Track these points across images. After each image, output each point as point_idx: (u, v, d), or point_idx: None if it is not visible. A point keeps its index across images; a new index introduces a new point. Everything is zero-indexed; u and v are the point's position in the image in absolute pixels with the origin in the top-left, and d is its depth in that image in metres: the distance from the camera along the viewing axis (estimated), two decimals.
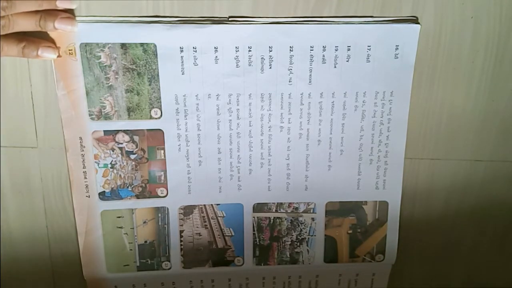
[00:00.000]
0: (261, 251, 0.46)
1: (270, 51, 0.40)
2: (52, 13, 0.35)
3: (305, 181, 0.44)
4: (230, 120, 0.41)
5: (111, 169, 0.42)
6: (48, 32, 0.37)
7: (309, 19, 0.39)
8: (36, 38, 0.37)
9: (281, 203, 0.45)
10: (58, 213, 0.43)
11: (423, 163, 0.44)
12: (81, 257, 0.44)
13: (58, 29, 0.36)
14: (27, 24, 0.35)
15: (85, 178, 0.42)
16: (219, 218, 0.44)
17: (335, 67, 0.40)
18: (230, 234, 0.45)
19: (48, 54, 0.37)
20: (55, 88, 0.39)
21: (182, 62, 0.39)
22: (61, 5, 0.35)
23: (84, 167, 0.42)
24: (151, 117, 0.41)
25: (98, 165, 0.42)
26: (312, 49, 0.40)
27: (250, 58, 0.40)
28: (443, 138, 0.44)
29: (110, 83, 0.39)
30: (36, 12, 0.35)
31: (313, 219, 0.45)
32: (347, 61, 0.40)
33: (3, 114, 0.40)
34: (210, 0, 0.38)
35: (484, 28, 0.40)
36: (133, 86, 0.40)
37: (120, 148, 0.42)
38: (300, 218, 0.45)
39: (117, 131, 0.41)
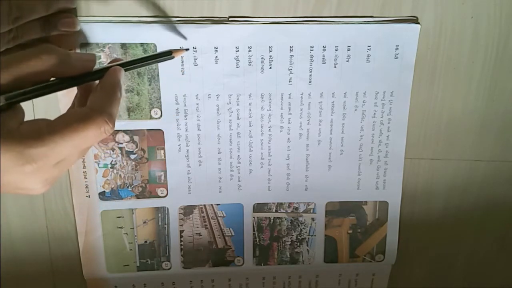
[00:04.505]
0: (261, 251, 0.46)
1: (270, 51, 0.40)
2: (55, 16, 0.35)
3: (305, 181, 0.44)
4: (230, 120, 0.41)
5: (111, 169, 0.42)
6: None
7: (309, 19, 0.39)
8: (37, 42, 0.36)
9: (281, 203, 0.45)
10: (58, 213, 0.43)
11: (423, 163, 0.44)
12: (81, 257, 0.44)
13: (62, 31, 0.36)
14: (33, 32, 0.34)
15: (85, 178, 0.42)
16: (219, 218, 0.44)
17: (335, 67, 0.40)
18: (230, 234, 0.45)
19: None
20: None
21: (182, 62, 0.39)
22: (62, 5, 0.35)
23: (84, 167, 0.42)
24: (151, 117, 0.41)
25: (98, 165, 0.42)
26: (312, 49, 0.40)
27: (250, 58, 0.40)
28: (443, 138, 0.44)
29: None
30: (39, 18, 0.34)
31: (313, 219, 0.45)
32: (347, 61, 0.40)
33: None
34: (210, 0, 0.38)
35: (484, 28, 0.40)
36: (133, 86, 0.40)
37: (120, 148, 0.42)
38: (300, 218, 0.45)
39: (117, 131, 0.41)
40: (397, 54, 0.40)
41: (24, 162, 0.24)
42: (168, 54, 0.33)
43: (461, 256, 0.48)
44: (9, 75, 0.25)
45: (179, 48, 0.36)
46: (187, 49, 0.37)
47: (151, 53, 0.37)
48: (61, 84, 0.28)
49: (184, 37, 0.38)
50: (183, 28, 0.38)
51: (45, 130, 0.25)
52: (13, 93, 0.25)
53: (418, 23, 0.40)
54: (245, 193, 0.44)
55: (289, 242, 0.46)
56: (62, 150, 0.25)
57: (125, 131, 0.41)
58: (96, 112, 0.26)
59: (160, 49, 0.39)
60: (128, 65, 0.31)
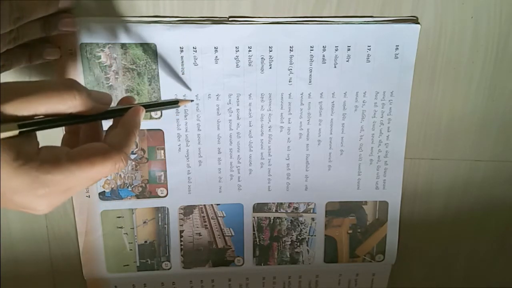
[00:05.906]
0: (261, 251, 0.46)
1: (270, 51, 0.40)
2: (55, 16, 0.35)
3: (305, 181, 0.44)
4: (230, 120, 0.41)
5: None
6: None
7: (309, 19, 0.39)
8: (38, 42, 0.36)
9: (281, 203, 0.45)
10: (58, 213, 0.43)
11: (423, 163, 0.44)
12: (81, 257, 0.44)
13: (62, 31, 0.36)
14: (33, 32, 0.34)
15: None
16: (219, 218, 0.44)
17: (335, 67, 0.40)
18: (230, 234, 0.45)
19: (53, 56, 0.37)
20: None
21: (182, 62, 0.39)
22: (62, 5, 0.35)
23: None
24: (151, 117, 0.41)
25: None
26: (312, 49, 0.40)
27: (250, 58, 0.40)
28: (443, 138, 0.44)
29: (110, 83, 0.40)
30: (39, 18, 0.34)
31: (313, 219, 0.45)
32: (347, 61, 0.40)
33: None
34: (210, 0, 0.38)
35: (484, 28, 0.40)
36: (133, 86, 0.40)
37: None
38: (300, 218, 0.45)
39: None
40: (397, 54, 0.40)
41: (38, 186, 0.25)
42: (174, 103, 0.35)
43: (461, 256, 0.48)
44: (27, 104, 0.25)
45: (183, 98, 0.40)
46: (191, 100, 0.40)
47: (159, 101, 0.39)
48: (76, 119, 0.28)
49: (189, 88, 0.40)
50: (183, 28, 0.38)
51: (64, 159, 0.26)
52: (26, 122, 0.25)
53: (418, 23, 0.40)
54: (245, 193, 0.44)
55: (289, 242, 0.46)
56: (75, 180, 0.26)
57: None
58: (115, 150, 0.27)
59: (160, 49, 0.39)
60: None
